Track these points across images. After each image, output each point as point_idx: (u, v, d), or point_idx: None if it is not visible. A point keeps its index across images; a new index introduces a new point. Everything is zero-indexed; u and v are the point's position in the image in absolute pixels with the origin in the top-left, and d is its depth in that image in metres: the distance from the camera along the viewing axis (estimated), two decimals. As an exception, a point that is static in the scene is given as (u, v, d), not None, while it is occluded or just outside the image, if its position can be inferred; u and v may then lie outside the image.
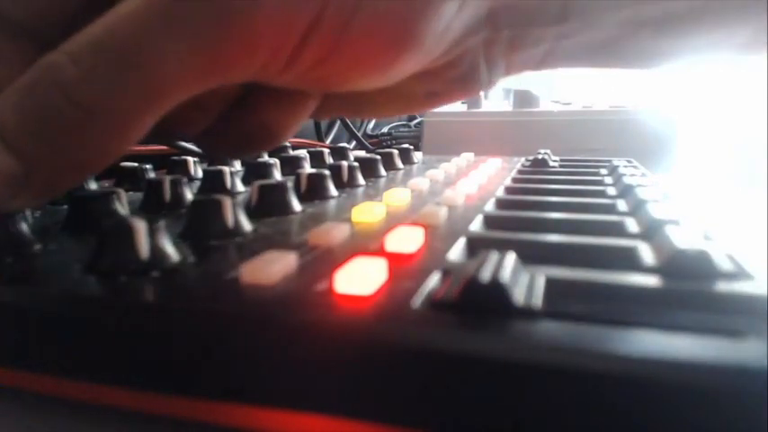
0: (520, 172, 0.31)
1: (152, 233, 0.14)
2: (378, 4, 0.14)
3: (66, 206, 0.20)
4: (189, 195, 0.23)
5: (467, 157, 0.38)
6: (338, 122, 0.57)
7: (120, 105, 0.14)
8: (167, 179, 0.23)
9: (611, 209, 0.21)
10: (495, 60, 0.19)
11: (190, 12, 0.13)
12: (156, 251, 0.14)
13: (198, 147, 0.21)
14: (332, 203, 0.23)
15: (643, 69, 0.21)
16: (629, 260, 0.15)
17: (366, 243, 0.16)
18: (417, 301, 0.12)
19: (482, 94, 0.61)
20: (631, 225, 0.18)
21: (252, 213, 0.20)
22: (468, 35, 0.17)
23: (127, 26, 0.13)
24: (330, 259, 0.15)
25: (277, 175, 0.28)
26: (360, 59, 0.15)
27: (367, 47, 0.15)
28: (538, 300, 0.11)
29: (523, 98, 0.57)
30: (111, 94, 0.13)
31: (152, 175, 0.30)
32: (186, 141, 0.20)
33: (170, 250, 0.15)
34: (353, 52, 0.15)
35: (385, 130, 0.65)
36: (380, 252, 0.15)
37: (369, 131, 0.65)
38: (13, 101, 0.14)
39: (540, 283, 0.12)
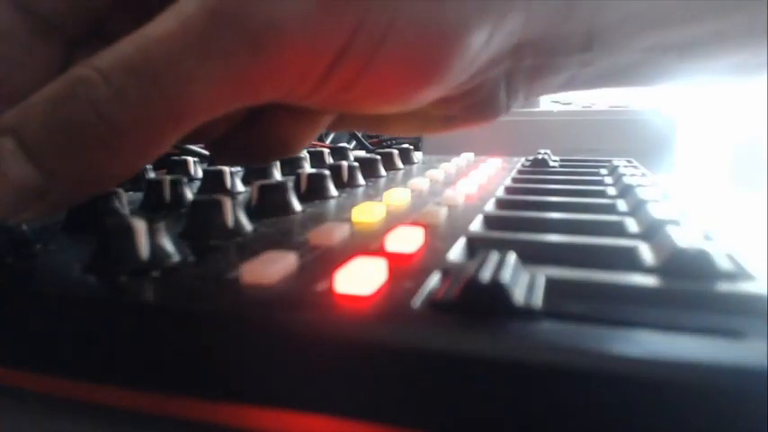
0: (520, 172, 0.31)
1: (152, 233, 0.14)
2: (405, 37, 0.14)
3: (66, 206, 0.20)
4: (189, 195, 0.23)
5: (467, 157, 0.38)
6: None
7: (150, 124, 0.14)
8: (167, 179, 0.23)
9: (611, 209, 0.21)
10: (516, 88, 0.19)
11: (223, 38, 0.13)
12: (156, 251, 0.14)
13: (210, 154, 0.21)
14: (332, 203, 0.23)
15: (662, 86, 0.21)
16: (629, 260, 0.15)
17: (366, 243, 0.16)
18: (417, 301, 0.12)
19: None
20: (631, 225, 0.18)
21: (252, 213, 0.20)
22: (492, 66, 0.17)
23: (161, 49, 0.13)
24: (330, 259, 0.15)
25: (277, 175, 0.28)
26: (384, 88, 0.15)
27: (392, 77, 0.15)
28: (538, 300, 0.11)
29: (523, 98, 0.57)
30: (142, 114, 0.13)
31: (152, 175, 0.30)
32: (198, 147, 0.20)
33: (170, 250, 0.15)
34: (378, 81, 0.15)
35: (385, 130, 0.65)
36: (380, 252, 0.15)
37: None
38: (40, 112, 0.13)
39: (540, 283, 0.12)
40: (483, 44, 0.15)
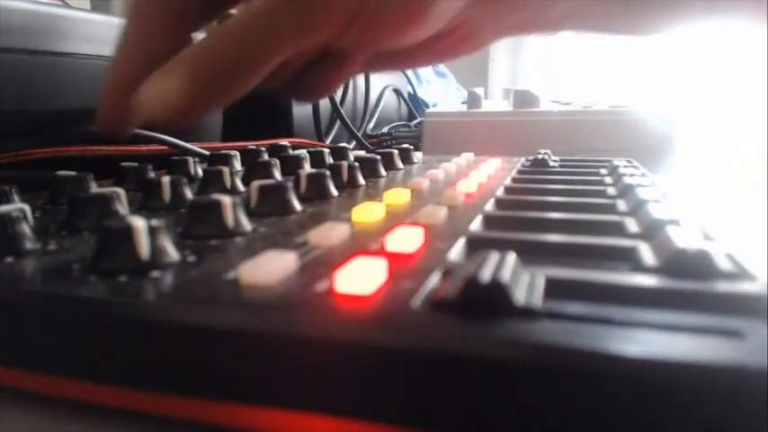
0: (520, 172, 0.31)
1: (152, 233, 0.14)
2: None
3: (66, 206, 0.20)
4: (189, 195, 0.23)
5: (467, 157, 0.38)
6: (338, 122, 0.57)
7: (257, 58, 0.22)
8: (167, 179, 0.23)
9: (611, 209, 0.21)
10: (486, 28, 0.27)
11: (291, 8, 0.21)
12: (156, 251, 0.14)
13: (277, 95, 0.30)
14: (332, 203, 0.23)
15: (629, 36, 0.26)
16: (629, 260, 0.15)
17: (366, 243, 0.16)
18: (417, 301, 0.12)
19: (482, 94, 0.61)
20: (631, 225, 0.18)
21: (252, 213, 0.20)
22: (465, 10, 0.24)
23: (259, 15, 0.21)
24: (330, 259, 0.15)
25: (277, 175, 0.28)
26: (389, 29, 0.23)
27: (392, 22, 0.23)
28: (538, 300, 0.11)
29: (523, 98, 0.57)
30: (251, 52, 0.22)
31: (152, 175, 0.30)
32: (272, 90, 0.28)
33: (170, 250, 0.15)
34: (384, 24, 0.23)
35: (385, 130, 0.65)
36: (380, 252, 0.15)
37: (369, 131, 0.65)
38: (193, 55, 0.22)
39: (540, 283, 0.12)
40: None
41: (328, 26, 0.23)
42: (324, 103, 0.54)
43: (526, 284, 0.12)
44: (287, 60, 0.23)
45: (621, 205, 0.21)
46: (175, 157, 0.31)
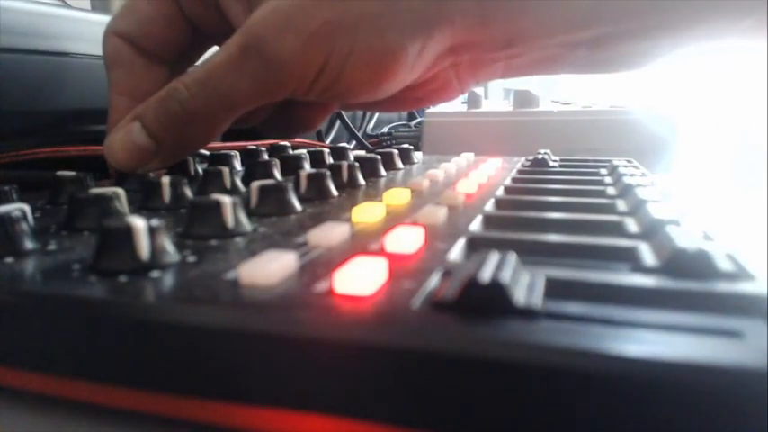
0: (520, 172, 0.31)
1: (152, 233, 0.14)
2: (362, 56, 0.22)
3: (66, 206, 0.20)
4: (189, 195, 0.23)
5: (467, 157, 0.38)
6: (338, 122, 0.57)
7: (212, 112, 0.23)
8: (167, 179, 0.23)
9: (610, 209, 0.21)
10: (464, 75, 0.27)
11: (250, 63, 0.22)
12: (156, 251, 0.14)
13: (260, 129, 0.31)
14: (332, 203, 0.23)
15: (585, 73, 0.27)
16: (628, 260, 0.15)
17: (366, 243, 0.16)
18: (417, 301, 0.12)
19: (482, 94, 0.61)
20: (631, 225, 0.18)
21: (252, 213, 0.20)
22: (437, 62, 0.25)
23: (216, 71, 0.23)
24: (330, 259, 0.15)
25: (277, 175, 0.28)
26: (355, 87, 0.24)
27: (358, 80, 0.23)
28: (538, 300, 0.11)
29: (523, 98, 0.57)
30: (207, 107, 0.23)
31: (152, 175, 0.30)
32: (252, 127, 0.30)
33: (170, 250, 0.15)
34: (349, 83, 0.23)
35: (385, 130, 0.65)
36: (380, 252, 0.15)
37: (369, 131, 0.65)
38: (153, 107, 0.24)
39: (540, 283, 0.12)
40: (417, 54, 0.23)
41: (285, 89, 0.23)
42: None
43: (526, 284, 0.12)
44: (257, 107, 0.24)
45: (621, 205, 0.21)
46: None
